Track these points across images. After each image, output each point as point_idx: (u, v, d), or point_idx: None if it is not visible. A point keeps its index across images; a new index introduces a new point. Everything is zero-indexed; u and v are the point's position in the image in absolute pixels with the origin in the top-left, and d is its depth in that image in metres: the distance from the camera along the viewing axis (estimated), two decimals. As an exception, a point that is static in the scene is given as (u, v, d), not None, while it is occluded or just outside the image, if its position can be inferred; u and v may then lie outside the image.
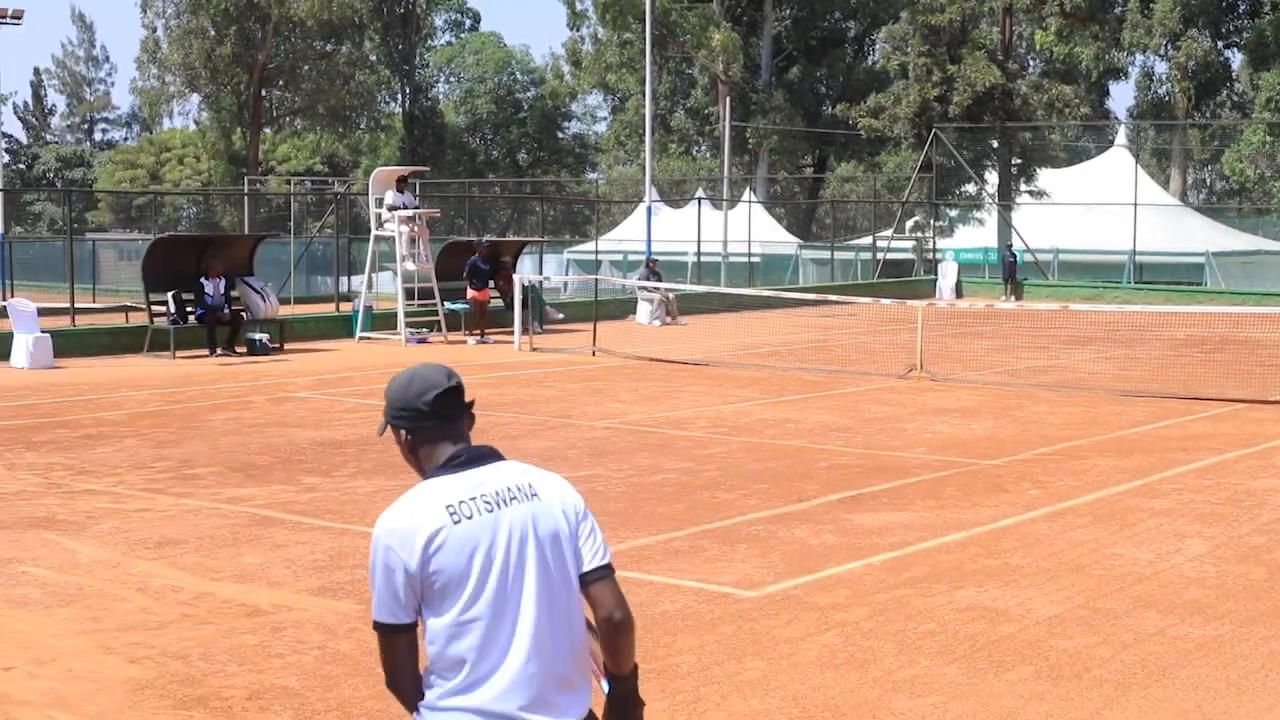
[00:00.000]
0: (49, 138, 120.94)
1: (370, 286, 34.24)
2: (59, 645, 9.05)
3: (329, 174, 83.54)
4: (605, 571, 4.47)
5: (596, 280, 36.75)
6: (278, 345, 30.10)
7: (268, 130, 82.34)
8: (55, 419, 19.66)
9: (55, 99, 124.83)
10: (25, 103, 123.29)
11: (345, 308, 35.69)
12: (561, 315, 37.34)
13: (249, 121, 76.16)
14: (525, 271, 35.32)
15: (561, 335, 33.19)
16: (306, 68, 76.68)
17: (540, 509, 4.45)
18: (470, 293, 33.31)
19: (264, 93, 76.57)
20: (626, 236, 57.62)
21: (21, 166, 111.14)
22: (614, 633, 4.47)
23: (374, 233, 33.42)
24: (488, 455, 4.57)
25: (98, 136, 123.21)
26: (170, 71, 76.57)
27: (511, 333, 30.91)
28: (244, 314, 30.05)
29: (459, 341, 32.16)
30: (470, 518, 4.34)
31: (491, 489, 4.43)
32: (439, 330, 32.64)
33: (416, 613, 4.33)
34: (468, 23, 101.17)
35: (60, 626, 9.46)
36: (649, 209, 45.80)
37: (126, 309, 34.58)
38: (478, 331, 32.69)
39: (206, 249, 30.60)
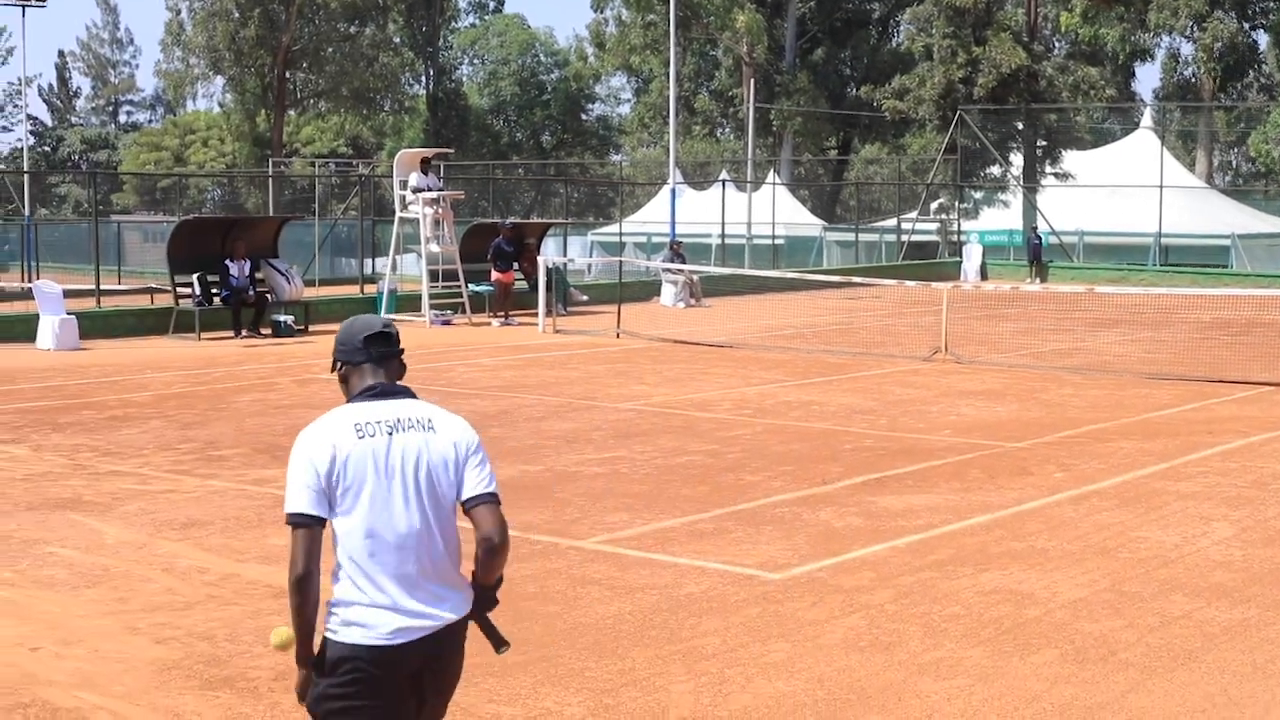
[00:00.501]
0: (74, 120, 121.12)
1: (394, 268, 34.27)
2: (86, 626, 9.08)
3: (353, 156, 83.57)
4: (488, 498, 5.18)
5: (621, 262, 36.69)
6: (302, 327, 30.15)
7: (292, 112, 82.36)
8: (81, 401, 19.72)
9: (80, 81, 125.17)
10: (50, 85, 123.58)
11: (370, 290, 35.73)
12: (585, 297, 37.31)
13: (273, 103, 76.22)
14: (549, 253, 35.30)
15: (585, 317, 33.18)
16: (330, 50, 76.67)
17: (433, 439, 5.15)
18: (494, 275, 33.31)
19: (288, 75, 76.61)
20: (650, 219, 57.53)
21: (46, 149, 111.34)
22: (489, 553, 5.18)
23: (398, 215, 33.44)
24: (400, 392, 5.25)
25: (122, 119, 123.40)
26: (194, 54, 76.67)
27: (536, 315, 30.91)
28: (269, 296, 30.10)
29: (483, 324, 32.18)
30: (372, 436, 5.06)
31: (394, 417, 5.14)
32: (463, 312, 32.66)
33: (327, 514, 5.01)
34: (491, 4, 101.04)
35: (87, 607, 9.50)
36: (673, 191, 45.70)
37: (152, 291, 34.64)
38: (502, 313, 32.70)
39: (231, 231, 30.63)
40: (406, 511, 5.07)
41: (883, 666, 8.32)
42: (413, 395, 5.27)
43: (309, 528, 4.97)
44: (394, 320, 30.84)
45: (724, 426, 17.21)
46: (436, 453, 5.14)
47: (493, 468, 5.24)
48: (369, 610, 5.01)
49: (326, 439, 5.04)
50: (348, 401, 5.23)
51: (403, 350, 5.36)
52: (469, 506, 5.16)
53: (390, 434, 5.09)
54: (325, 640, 5.07)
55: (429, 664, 5.14)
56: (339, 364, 5.33)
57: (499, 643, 5.44)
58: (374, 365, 5.25)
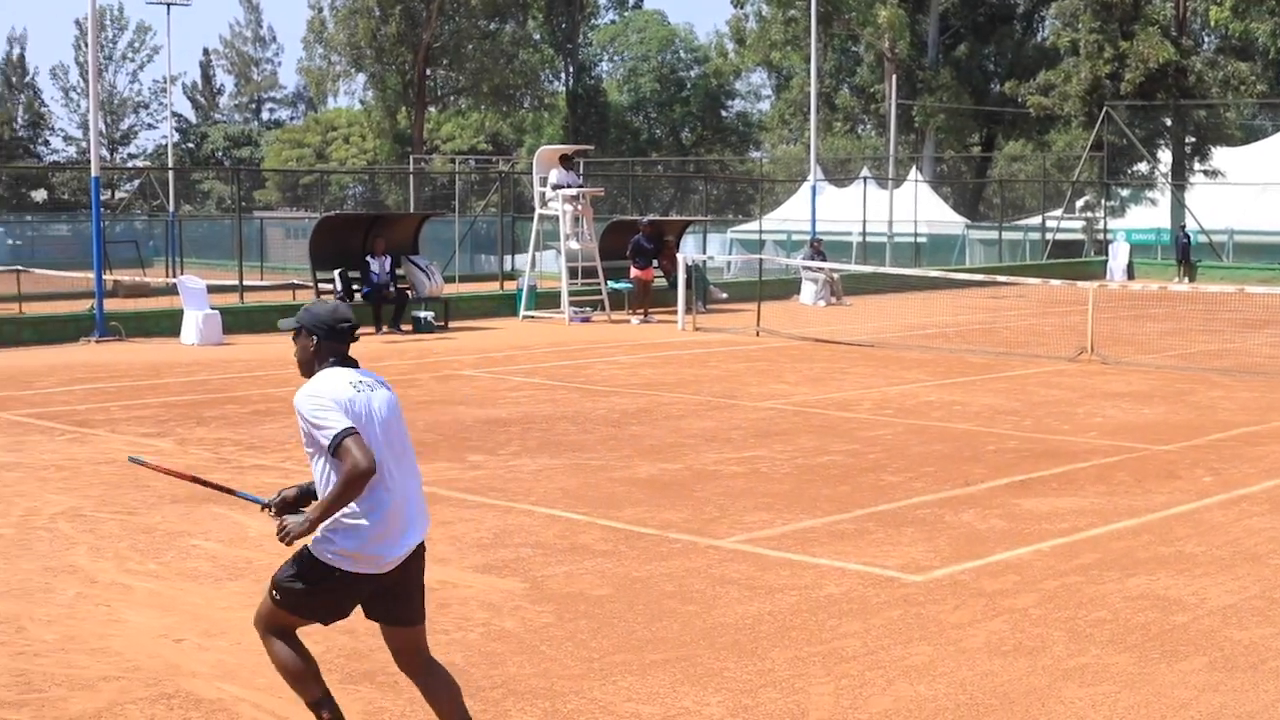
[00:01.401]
0: (217, 117, 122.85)
1: (534, 265, 34.39)
2: (228, 618, 9.15)
3: (493, 153, 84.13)
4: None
5: (760, 260, 36.57)
6: (442, 323, 30.35)
7: (432, 109, 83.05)
8: (225, 395, 19.96)
9: (223, 79, 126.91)
10: (194, 83, 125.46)
11: (509, 286, 35.91)
12: (725, 295, 37.26)
13: (414, 100, 76.85)
14: (689, 251, 35.26)
15: (725, 315, 33.11)
16: (471, 47, 77.16)
17: (394, 396, 6.70)
18: (634, 272, 33.33)
19: (429, 72, 77.22)
20: (790, 216, 57.32)
21: (191, 146, 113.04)
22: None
23: (538, 211, 33.56)
24: (356, 363, 6.71)
25: (265, 116, 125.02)
26: (336, 51, 77.49)
27: (675, 312, 30.89)
28: (409, 292, 30.34)
29: (622, 321, 32.21)
30: (366, 392, 6.53)
31: (370, 379, 6.63)
32: (602, 309, 32.73)
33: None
34: (631, 1, 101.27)
35: (230, 599, 9.58)
36: (813, 188, 45.49)
37: (293, 286, 35.05)
38: (641, 310, 32.71)
39: (372, 227, 30.89)
40: (401, 453, 6.64)
41: (1026, 672, 8.19)
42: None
43: (359, 434, 6.31)
44: (534, 316, 31.01)
45: (865, 426, 17.08)
46: (397, 404, 6.68)
47: None
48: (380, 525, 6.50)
49: (337, 390, 6.45)
50: (320, 369, 6.62)
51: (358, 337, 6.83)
52: None
53: (374, 390, 6.58)
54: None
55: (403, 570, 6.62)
56: (312, 335, 6.67)
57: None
58: (342, 344, 6.67)
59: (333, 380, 6.51)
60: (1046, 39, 73.86)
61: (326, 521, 6.44)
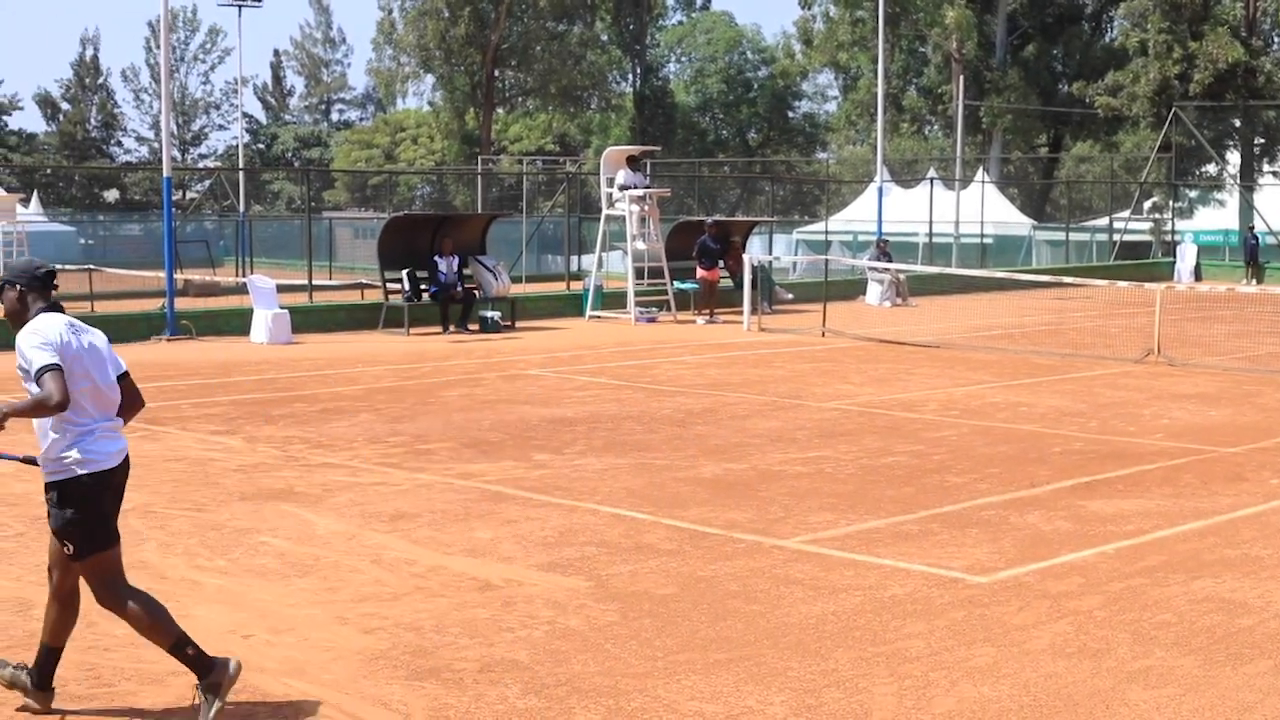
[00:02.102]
0: (287, 118, 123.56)
1: (600, 265, 34.46)
2: (296, 615, 9.24)
3: (560, 153, 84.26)
4: (127, 374, 7.79)
5: (826, 261, 36.54)
6: (509, 323, 30.45)
7: (500, 110, 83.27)
8: (293, 394, 20.11)
9: (294, 80, 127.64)
10: (265, 84, 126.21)
11: (575, 286, 35.99)
12: (791, 295, 37.24)
13: (481, 101, 77.09)
14: (755, 251, 35.24)
15: (790, 316, 33.09)
16: (539, 48, 77.31)
17: (100, 335, 7.66)
18: (700, 272, 33.35)
19: (496, 73, 77.43)
20: (857, 217, 57.20)
21: (261, 146, 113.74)
22: (134, 407, 7.93)
23: (605, 212, 33.64)
24: (63, 309, 7.60)
25: (334, 117, 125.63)
26: (405, 52, 77.83)
27: (740, 312, 30.90)
28: (476, 292, 30.46)
29: (688, 321, 32.25)
30: (79, 334, 7.46)
31: (79, 324, 7.55)
32: (668, 309, 32.77)
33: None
34: (699, 2, 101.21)
35: (297, 596, 9.67)
36: (880, 189, 45.39)
37: (362, 286, 35.24)
38: (707, 311, 32.73)
39: (440, 228, 31.02)
40: (108, 381, 7.56)
41: (1090, 674, 8.17)
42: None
43: (60, 372, 7.18)
44: (600, 316, 31.05)
45: (930, 427, 17.05)
46: (104, 341, 7.64)
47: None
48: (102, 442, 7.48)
49: (53, 331, 7.34)
50: (34, 315, 7.47)
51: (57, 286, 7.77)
52: (120, 378, 7.71)
53: (85, 333, 7.53)
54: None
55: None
56: (15, 285, 7.56)
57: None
58: (46, 290, 7.56)
59: (50, 322, 7.41)
60: (1115, 39, 73.33)
61: (55, 451, 7.37)
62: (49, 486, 7.37)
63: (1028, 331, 29.66)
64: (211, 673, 7.35)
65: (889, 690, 7.83)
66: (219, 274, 43.52)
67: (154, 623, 7.48)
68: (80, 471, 7.33)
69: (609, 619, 9.09)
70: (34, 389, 7.23)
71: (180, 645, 7.43)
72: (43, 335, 7.31)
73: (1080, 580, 10.12)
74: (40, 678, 7.50)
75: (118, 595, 7.52)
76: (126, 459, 7.62)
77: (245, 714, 7.44)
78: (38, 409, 7.19)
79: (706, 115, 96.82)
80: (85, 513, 7.37)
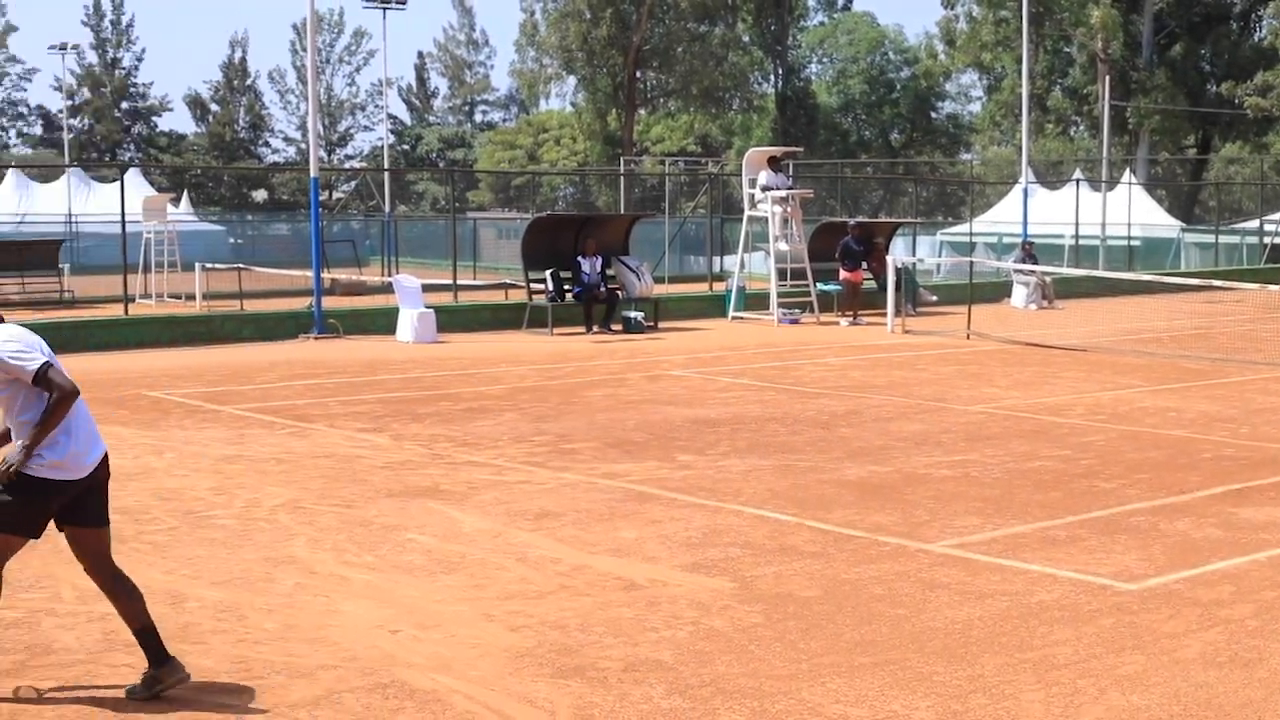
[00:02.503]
0: (431, 119, 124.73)
1: (743, 266, 34.45)
2: (443, 611, 9.31)
3: (702, 154, 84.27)
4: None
5: (971, 262, 36.26)
6: (652, 323, 30.53)
7: (642, 111, 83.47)
8: (438, 392, 20.29)
9: (437, 82, 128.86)
10: (409, 85, 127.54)
11: (718, 287, 36.01)
12: (935, 297, 37.01)
13: (624, 103, 77.28)
14: (898, 253, 35.05)
15: (934, 318, 32.88)
16: (680, 49, 77.39)
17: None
18: (843, 274, 33.25)
19: (639, 74, 77.60)
20: (1001, 218, 56.70)
21: (406, 147, 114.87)
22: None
23: (747, 213, 33.62)
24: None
25: (478, 118, 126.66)
26: (548, 54, 78.22)
27: (884, 314, 30.75)
28: (620, 292, 30.56)
29: (831, 323, 32.14)
30: (38, 336, 7.65)
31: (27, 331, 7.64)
32: (811, 311, 32.68)
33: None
34: (840, 2, 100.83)
35: (444, 593, 9.74)
36: (1025, 190, 44.99)
37: (506, 286, 35.49)
38: (850, 313, 32.61)
39: (583, 228, 31.18)
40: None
41: (1242, 684, 8.04)
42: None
43: (55, 366, 7.46)
44: (743, 317, 31.00)
45: (1077, 432, 16.85)
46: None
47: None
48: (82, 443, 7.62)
49: (23, 334, 7.56)
50: None
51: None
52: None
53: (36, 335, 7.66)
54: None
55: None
56: None
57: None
58: None
59: (14, 329, 7.61)
60: (1264, 39, 72.17)
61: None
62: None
63: (1176, 335, 29.23)
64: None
65: (1036, 697, 7.75)
66: (365, 273, 44.03)
67: None
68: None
69: (753, 620, 9.08)
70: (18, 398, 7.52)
71: None
72: (17, 340, 7.54)
73: (1231, 588, 9.95)
74: (155, 656, 7.71)
75: None
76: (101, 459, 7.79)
77: (393, 709, 7.51)
78: (60, 408, 7.42)
79: (849, 116, 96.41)
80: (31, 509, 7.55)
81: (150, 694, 7.61)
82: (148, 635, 7.70)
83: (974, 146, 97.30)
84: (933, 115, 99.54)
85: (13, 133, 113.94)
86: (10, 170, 73.72)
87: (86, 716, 7.39)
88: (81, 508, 7.62)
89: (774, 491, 13.11)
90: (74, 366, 22.24)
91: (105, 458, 7.74)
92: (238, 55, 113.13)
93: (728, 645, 8.58)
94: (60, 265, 40.37)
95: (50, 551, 10.70)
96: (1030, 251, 38.70)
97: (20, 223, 62.22)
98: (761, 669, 8.14)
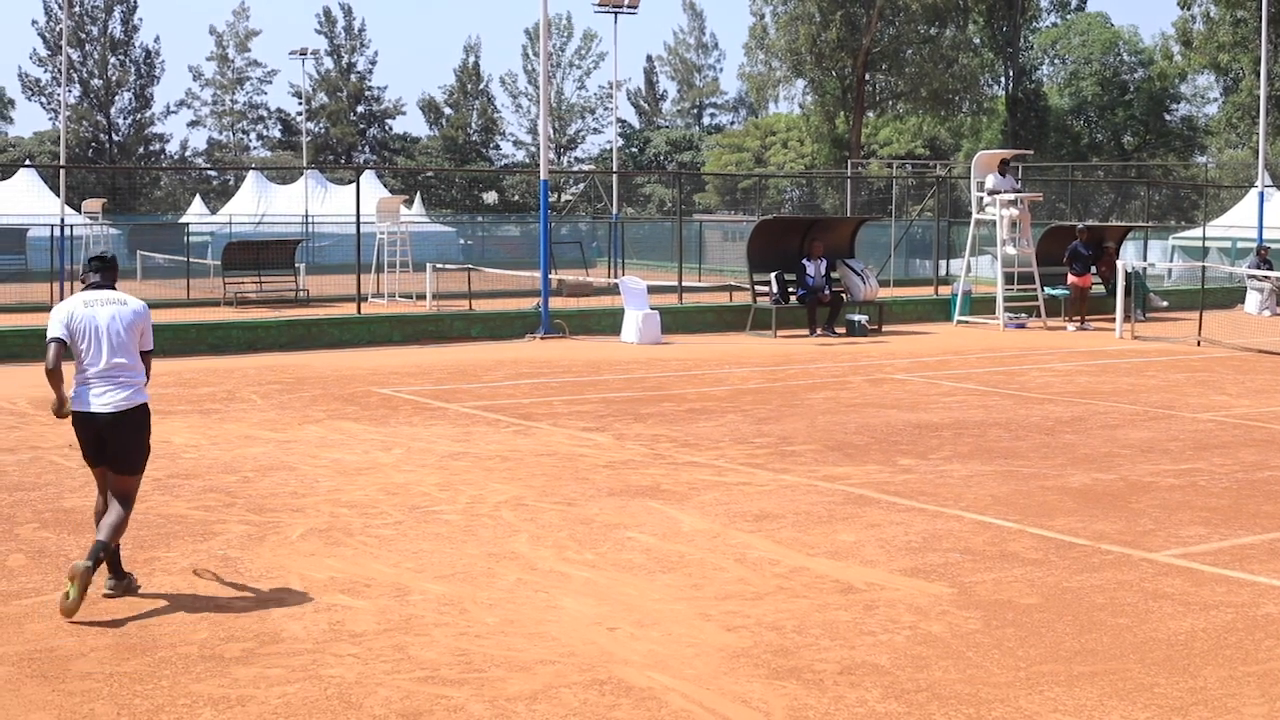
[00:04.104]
0: (660, 122, 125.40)
1: (969, 270, 34.13)
2: (660, 610, 9.40)
3: (930, 157, 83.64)
4: (148, 353, 9.86)
5: (1204, 268, 35.52)
6: (876, 327, 30.41)
7: (870, 114, 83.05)
8: (661, 393, 20.42)
9: (666, 85, 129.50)
10: (638, 89, 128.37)
11: (944, 291, 35.71)
12: (1165, 303, 36.35)
13: (852, 105, 76.98)
14: (1128, 257, 34.46)
15: (1165, 324, 32.28)
16: (910, 51, 76.90)
17: (123, 308, 9.73)
18: (1071, 278, 32.80)
19: (867, 76, 77.24)
20: (1236, 223, 55.42)
21: (634, 150, 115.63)
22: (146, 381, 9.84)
23: (974, 216, 33.32)
24: (105, 286, 9.84)
25: (706, 120, 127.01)
26: (777, 57, 78.19)
27: (1112, 320, 30.29)
28: (844, 295, 30.48)
29: (1058, 328, 31.72)
30: (93, 308, 9.67)
31: (99, 297, 9.75)
32: (1038, 315, 32.28)
33: (66, 341, 9.59)
34: (1074, 3, 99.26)
35: (662, 591, 9.83)
36: (1261, 194, 43.92)
37: (730, 288, 35.58)
38: (1077, 318, 32.16)
39: (809, 231, 31.14)
40: (105, 346, 9.58)
41: None
42: (113, 289, 9.87)
43: (59, 343, 9.55)
44: (968, 321, 30.64)
45: (1311, 441, 16.45)
46: (126, 315, 9.70)
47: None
48: (82, 389, 9.66)
49: (67, 307, 9.67)
50: (82, 288, 9.92)
51: (115, 267, 10.01)
52: (143, 353, 9.80)
53: (98, 307, 9.66)
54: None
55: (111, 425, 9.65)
56: (84, 271, 10.13)
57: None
58: (96, 272, 9.89)
59: (72, 299, 9.80)
60: None
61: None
62: None
63: None
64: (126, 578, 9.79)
65: (1259, 711, 7.60)
66: (592, 274, 44.41)
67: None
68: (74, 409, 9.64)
69: (971, 626, 9.03)
70: None
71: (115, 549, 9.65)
72: (57, 311, 9.72)
73: None
74: (115, 570, 9.76)
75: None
76: (111, 411, 9.59)
77: (609, 705, 7.60)
78: (47, 375, 9.59)
79: (1080, 118, 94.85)
80: (77, 437, 9.80)
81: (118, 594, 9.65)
82: (103, 549, 9.39)
83: (1209, 149, 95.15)
84: (1167, 117, 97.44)
85: (253, 135, 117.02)
86: (251, 172, 75.77)
87: (312, 703, 7.59)
88: (106, 452, 9.68)
89: (995, 497, 13.01)
90: (307, 362, 22.86)
91: (125, 417, 9.63)
92: (471, 60, 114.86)
93: (945, 651, 8.54)
94: (296, 265, 41.30)
95: (280, 543, 11.02)
96: (1265, 257, 37.80)
97: (259, 223, 63.90)
98: (979, 676, 8.10)
